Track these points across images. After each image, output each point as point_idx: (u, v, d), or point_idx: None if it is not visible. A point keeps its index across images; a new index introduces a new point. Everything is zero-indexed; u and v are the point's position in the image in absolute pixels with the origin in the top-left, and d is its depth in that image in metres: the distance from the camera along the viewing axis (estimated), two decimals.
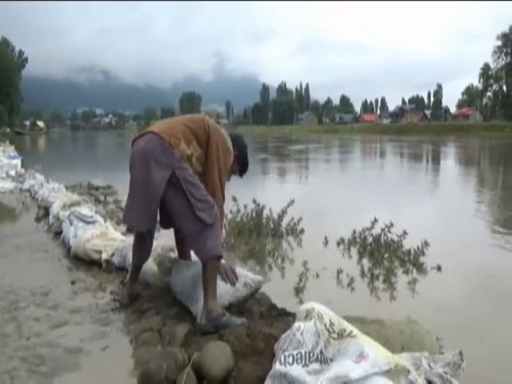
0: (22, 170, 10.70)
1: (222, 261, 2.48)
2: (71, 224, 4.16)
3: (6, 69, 65.10)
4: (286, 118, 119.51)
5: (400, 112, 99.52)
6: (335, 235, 4.44)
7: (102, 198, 7.26)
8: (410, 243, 3.93)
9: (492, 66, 64.57)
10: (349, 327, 1.65)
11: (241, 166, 2.70)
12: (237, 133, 2.78)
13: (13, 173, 10.15)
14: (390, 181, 10.96)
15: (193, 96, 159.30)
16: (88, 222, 4.13)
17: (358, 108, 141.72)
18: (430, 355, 1.66)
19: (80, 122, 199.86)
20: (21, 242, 4.37)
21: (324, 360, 1.56)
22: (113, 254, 3.56)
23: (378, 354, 1.52)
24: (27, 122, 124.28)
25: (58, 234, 4.55)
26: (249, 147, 2.76)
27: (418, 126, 57.10)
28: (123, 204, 6.30)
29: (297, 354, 1.55)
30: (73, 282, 3.23)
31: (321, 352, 1.57)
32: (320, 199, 7.78)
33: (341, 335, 1.62)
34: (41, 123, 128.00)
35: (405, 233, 4.00)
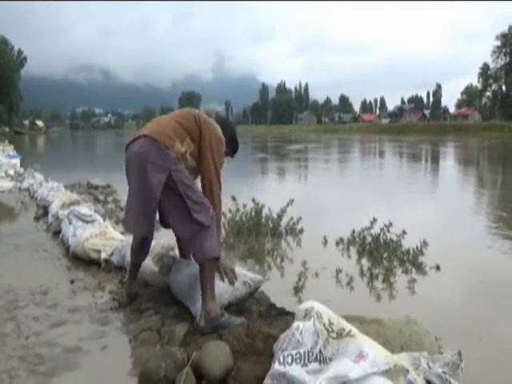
0: (21, 170, 10.70)
1: (222, 260, 2.48)
2: (70, 223, 4.15)
3: (5, 68, 64.96)
4: (286, 118, 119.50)
5: (399, 112, 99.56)
6: (334, 235, 4.45)
7: (101, 197, 7.26)
8: (409, 243, 3.93)
9: (491, 65, 64.67)
10: (348, 327, 1.65)
11: (232, 149, 2.72)
12: (222, 116, 2.78)
13: (12, 172, 10.14)
14: (389, 180, 10.97)
15: (192, 95, 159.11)
16: (87, 222, 4.13)
17: (357, 108, 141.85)
18: (428, 355, 1.67)
19: (79, 122, 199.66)
20: (20, 242, 4.37)
21: (323, 360, 1.56)
22: (112, 254, 3.56)
23: (377, 354, 1.52)
24: (26, 122, 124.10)
25: (57, 233, 4.55)
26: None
27: (417, 125, 57.13)
28: (122, 203, 6.31)
29: (296, 354, 1.55)
30: (72, 282, 3.23)
31: (320, 352, 1.57)
32: (319, 199, 7.78)
33: (340, 335, 1.62)
34: (40, 123, 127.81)
35: (404, 232, 4.01)
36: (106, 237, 3.78)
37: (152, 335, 2.29)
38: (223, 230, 4.57)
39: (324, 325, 1.65)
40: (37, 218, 5.60)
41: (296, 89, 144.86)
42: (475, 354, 2.15)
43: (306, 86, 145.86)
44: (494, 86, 66.39)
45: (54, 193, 6.09)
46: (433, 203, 7.51)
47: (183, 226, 2.31)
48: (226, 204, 4.59)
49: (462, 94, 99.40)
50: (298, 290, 3.18)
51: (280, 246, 4.42)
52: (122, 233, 4.13)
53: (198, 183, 2.49)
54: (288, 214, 4.80)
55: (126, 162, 2.42)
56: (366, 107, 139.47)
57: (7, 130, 65.59)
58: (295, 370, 1.51)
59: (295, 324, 1.67)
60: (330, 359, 1.56)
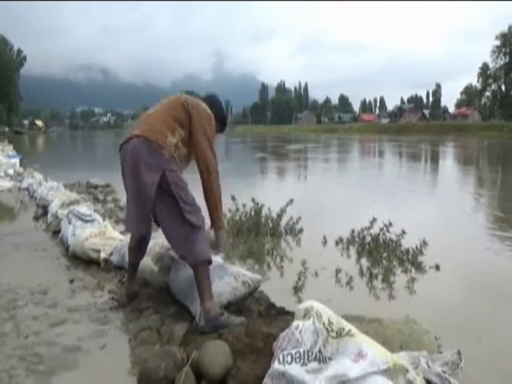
0: (21, 169, 10.69)
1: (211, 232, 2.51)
2: (70, 223, 4.15)
3: (5, 68, 64.90)
4: (285, 118, 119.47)
5: (399, 112, 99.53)
6: (334, 234, 4.45)
7: (100, 196, 7.25)
8: (408, 242, 3.93)
9: (491, 65, 64.74)
10: (347, 326, 1.65)
11: (221, 124, 2.73)
12: (209, 94, 2.79)
13: (11, 172, 10.13)
14: (388, 180, 10.97)
15: (192, 95, 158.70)
16: (86, 221, 4.12)
17: (356, 107, 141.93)
18: (428, 354, 1.67)
19: (79, 121, 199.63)
20: (19, 241, 4.36)
21: (323, 359, 1.56)
22: (111, 253, 3.56)
23: (376, 353, 1.52)
24: (26, 121, 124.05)
25: (57, 232, 4.55)
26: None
27: (416, 125, 57.18)
28: (122, 203, 6.31)
29: (295, 353, 1.55)
30: (71, 281, 3.23)
31: (319, 351, 1.57)
32: (319, 198, 7.78)
33: (339, 334, 1.62)
34: (39, 122, 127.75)
35: (403, 232, 4.00)
36: (106, 236, 3.78)
37: (151, 334, 2.29)
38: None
39: (323, 324, 1.64)
40: (36, 218, 5.60)
41: (296, 88, 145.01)
42: (475, 353, 2.15)
43: (306, 85, 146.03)
44: (493, 86, 66.47)
45: (54, 192, 6.09)
46: (432, 203, 7.51)
47: (175, 226, 2.32)
48: (226, 204, 4.59)
49: (461, 93, 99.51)
50: (297, 289, 3.18)
51: (279, 245, 4.42)
52: (122, 232, 4.13)
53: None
54: (288, 214, 4.80)
55: (120, 162, 2.46)
56: (366, 107, 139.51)
57: (7, 129, 65.56)
58: (295, 370, 1.51)
59: (295, 323, 1.66)
60: (330, 358, 1.56)
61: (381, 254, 3.92)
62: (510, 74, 61.59)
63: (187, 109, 2.41)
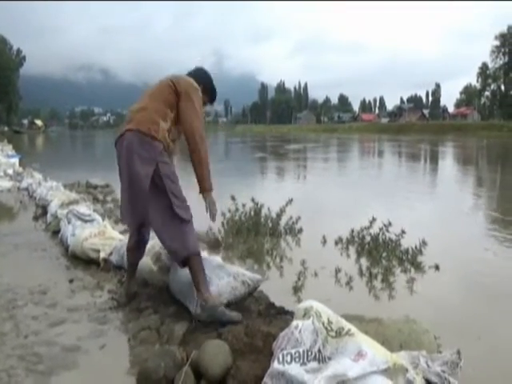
0: (20, 169, 10.69)
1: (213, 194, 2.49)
2: (69, 223, 4.15)
3: (4, 67, 64.87)
4: (285, 117, 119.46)
5: (398, 111, 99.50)
6: (333, 234, 4.45)
7: (100, 196, 7.25)
8: (408, 242, 3.94)
9: (490, 65, 64.74)
10: (347, 326, 1.65)
11: (210, 96, 2.74)
12: (196, 68, 2.79)
13: (11, 171, 10.13)
14: (388, 180, 10.97)
15: None
16: (86, 221, 4.12)
17: (356, 107, 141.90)
18: (428, 354, 1.67)
19: (78, 121, 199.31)
20: (19, 241, 4.36)
21: (322, 358, 1.56)
22: (111, 253, 3.56)
23: (376, 353, 1.52)
24: (25, 121, 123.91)
25: (56, 232, 4.55)
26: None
27: (416, 125, 57.14)
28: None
29: (295, 353, 1.55)
30: (71, 281, 3.23)
31: (319, 350, 1.57)
32: (318, 198, 7.78)
33: (339, 334, 1.62)
34: (39, 122, 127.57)
35: (403, 232, 4.01)
36: (105, 236, 3.78)
37: (151, 334, 2.29)
38: (222, 230, 4.56)
39: (323, 324, 1.65)
40: (36, 218, 5.59)
41: (295, 88, 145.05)
42: (474, 352, 2.16)
43: (306, 85, 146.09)
44: (492, 86, 66.48)
45: (53, 192, 6.09)
46: (432, 203, 7.51)
47: (165, 219, 2.34)
48: (226, 204, 4.59)
49: (461, 93, 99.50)
50: (297, 289, 3.18)
51: (279, 245, 4.42)
52: (121, 232, 4.13)
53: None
54: (287, 214, 4.80)
55: (117, 156, 2.50)
56: (366, 107, 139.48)
57: (6, 129, 65.53)
58: (294, 369, 1.51)
59: (294, 323, 1.67)
60: (329, 358, 1.56)
61: (380, 254, 3.92)
62: (510, 73, 61.61)
63: (175, 89, 2.43)
